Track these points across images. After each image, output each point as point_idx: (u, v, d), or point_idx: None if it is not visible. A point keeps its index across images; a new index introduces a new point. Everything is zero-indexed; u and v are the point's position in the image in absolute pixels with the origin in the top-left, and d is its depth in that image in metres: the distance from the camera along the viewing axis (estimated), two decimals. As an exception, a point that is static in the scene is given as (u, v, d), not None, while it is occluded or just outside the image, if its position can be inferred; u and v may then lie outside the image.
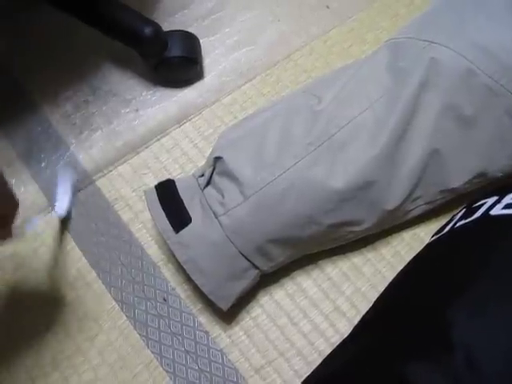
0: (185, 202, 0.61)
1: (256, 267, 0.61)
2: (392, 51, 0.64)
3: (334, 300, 0.67)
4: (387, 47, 0.65)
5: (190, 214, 0.60)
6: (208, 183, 0.63)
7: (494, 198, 0.58)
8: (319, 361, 0.58)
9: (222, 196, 0.60)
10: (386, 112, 0.59)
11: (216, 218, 0.59)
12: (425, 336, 0.46)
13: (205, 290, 0.59)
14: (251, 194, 0.58)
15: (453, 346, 0.43)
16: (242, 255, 0.59)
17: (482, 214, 0.56)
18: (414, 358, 0.44)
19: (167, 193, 0.63)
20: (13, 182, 0.76)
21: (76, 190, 0.74)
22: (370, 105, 0.60)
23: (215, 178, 0.62)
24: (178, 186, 0.63)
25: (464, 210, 0.61)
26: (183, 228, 0.59)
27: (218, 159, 0.62)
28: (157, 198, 0.62)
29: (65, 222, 0.72)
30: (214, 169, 0.62)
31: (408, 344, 0.47)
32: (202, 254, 0.59)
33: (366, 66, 0.65)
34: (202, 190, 0.62)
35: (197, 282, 0.59)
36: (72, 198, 0.71)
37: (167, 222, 0.60)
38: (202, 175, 0.64)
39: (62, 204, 0.71)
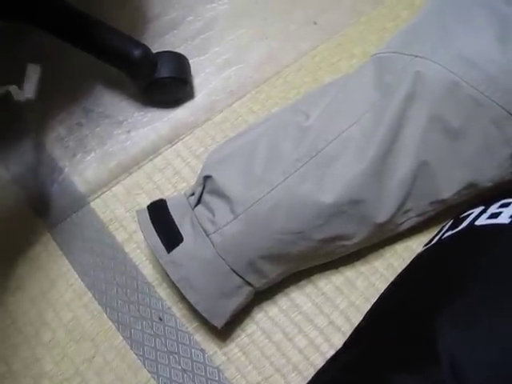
0: (176, 221, 0.61)
1: (249, 284, 0.62)
2: (377, 66, 0.65)
3: (328, 314, 0.67)
4: (373, 62, 0.66)
5: (182, 233, 0.60)
6: (198, 202, 0.63)
7: (480, 208, 0.58)
8: (315, 376, 0.58)
9: (213, 214, 0.60)
10: (373, 126, 0.60)
11: (207, 236, 0.60)
12: (411, 347, 0.47)
13: (199, 308, 0.60)
14: (241, 211, 0.59)
15: (439, 356, 0.43)
16: (235, 272, 0.60)
17: (468, 225, 0.57)
18: (401, 369, 0.45)
19: (159, 212, 0.63)
20: (8, 205, 0.77)
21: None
22: (357, 119, 0.60)
23: (205, 196, 0.63)
24: (169, 206, 0.63)
25: (451, 221, 0.62)
26: (175, 247, 0.60)
27: (207, 178, 0.62)
28: (148, 218, 0.63)
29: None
30: (203, 187, 0.63)
31: (395, 355, 0.47)
32: (194, 273, 0.59)
33: (352, 82, 0.65)
34: (193, 209, 0.63)
35: (190, 300, 0.60)
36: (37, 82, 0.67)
37: (159, 241, 0.60)
38: (193, 194, 0.64)
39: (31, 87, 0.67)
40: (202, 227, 0.60)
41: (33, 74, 0.68)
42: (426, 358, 0.44)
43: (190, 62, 0.82)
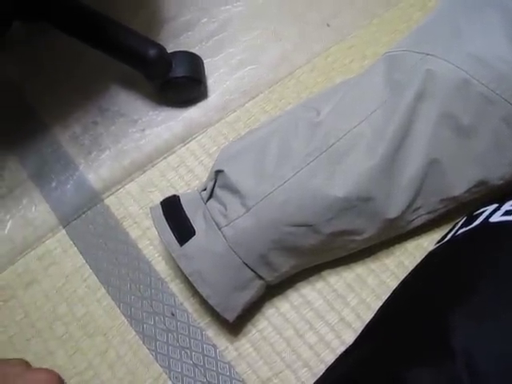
0: (188, 215, 0.62)
1: (260, 277, 0.62)
2: (388, 64, 0.66)
3: (339, 311, 0.67)
4: (383, 60, 0.67)
5: (194, 226, 0.61)
6: (210, 196, 0.64)
7: (494, 206, 0.59)
8: (325, 372, 0.59)
9: (225, 208, 0.61)
10: (384, 123, 0.60)
11: (219, 229, 0.60)
12: (425, 342, 0.47)
13: (210, 301, 0.60)
14: (252, 205, 0.59)
15: (453, 351, 0.43)
16: (246, 265, 0.60)
17: (482, 222, 0.57)
18: (415, 364, 0.45)
19: (171, 207, 0.64)
20: (24, 202, 0.78)
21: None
22: (368, 116, 0.61)
23: (217, 191, 0.63)
24: (181, 201, 0.64)
25: (465, 218, 0.62)
26: (187, 241, 0.60)
27: (219, 172, 0.63)
28: (161, 213, 0.63)
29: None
30: (215, 182, 0.64)
31: (409, 350, 0.47)
32: (206, 266, 0.60)
33: (363, 80, 0.66)
34: (205, 203, 0.63)
35: (202, 293, 0.60)
36: None
37: (172, 235, 0.61)
38: (205, 189, 0.65)
39: None
40: (214, 221, 0.61)
41: None
42: (440, 353, 0.44)
43: (205, 62, 0.83)
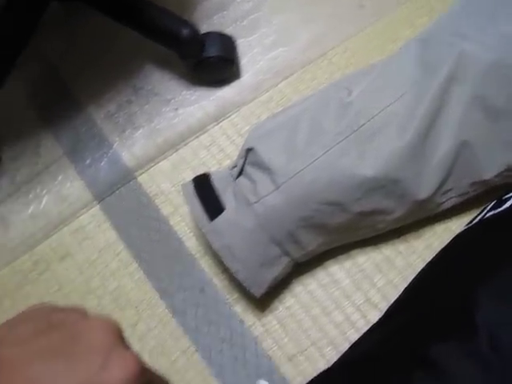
0: (219, 191, 0.63)
1: (288, 254, 0.63)
2: (421, 46, 0.65)
3: (365, 291, 0.68)
4: (417, 42, 0.66)
5: (224, 202, 0.62)
6: (240, 173, 0.65)
7: (525, 190, 0.58)
8: (350, 350, 0.59)
9: (255, 185, 0.62)
10: (415, 103, 0.60)
11: (248, 205, 0.61)
12: (450, 319, 0.47)
13: (238, 276, 0.61)
14: (282, 182, 0.60)
15: (477, 328, 0.44)
16: (274, 242, 0.61)
17: (511, 205, 0.57)
18: (439, 339, 0.46)
19: (202, 184, 0.65)
20: (59, 178, 0.80)
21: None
22: (399, 97, 0.61)
23: (247, 168, 0.64)
24: (212, 178, 0.65)
25: (495, 201, 0.62)
26: (217, 216, 0.61)
27: (249, 150, 0.64)
28: (193, 189, 0.65)
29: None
30: (245, 159, 0.65)
31: (433, 327, 0.48)
32: (235, 241, 0.61)
33: (395, 61, 0.66)
34: (235, 180, 0.64)
35: (231, 268, 0.61)
36: None
37: (202, 211, 0.62)
38: (235, 166, 0.66)
39: None
40: (243, 197, 0.62)
41: None
42: (464, 330, 0.45)
43: (238, 42, 0.84)
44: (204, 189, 0.64)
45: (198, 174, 0.70)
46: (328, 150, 0.60)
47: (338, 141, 0.60)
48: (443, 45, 0.63)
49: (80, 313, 0.37)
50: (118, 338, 0.36)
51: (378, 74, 0.65)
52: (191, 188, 0.65)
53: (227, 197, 0.63)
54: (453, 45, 0.62)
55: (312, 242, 0.63)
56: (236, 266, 0.61)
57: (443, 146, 0.61)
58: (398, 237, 0.69)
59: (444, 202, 0.65)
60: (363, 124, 0.60)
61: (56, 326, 0.36)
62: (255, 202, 0.61)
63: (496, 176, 0.63)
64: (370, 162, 0.59)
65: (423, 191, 0.62)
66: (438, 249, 0.64)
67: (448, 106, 0.60)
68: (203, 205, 0.63)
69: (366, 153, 0.60)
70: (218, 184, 0.64)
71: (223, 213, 0.61)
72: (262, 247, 0.61)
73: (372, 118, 0.61)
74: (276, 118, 0.67)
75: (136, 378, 0.34)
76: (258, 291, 0.63)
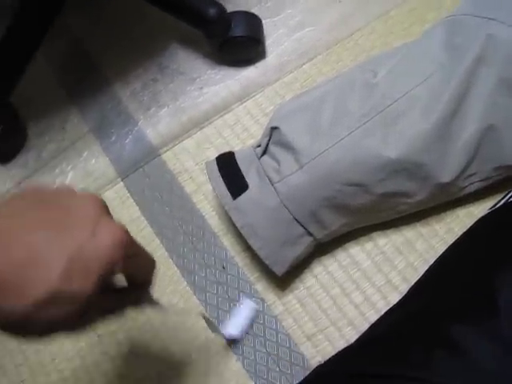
0: (242, 170, 0.64)
1: (310, 234, 0.63)
2: (448, 28, 0.65)
3: (386, 273, 0.68)
4: (443, 24, 0.66)
5: (247, 181, 0.63)
6: (264, 152, 0.65)
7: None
8: (370, 331, 0.60)
9: (278, 164, 0.62)
10: (441, 86, 0.60)
11: (272, 184, 0.62)
12: (472, 301, 0.48)
13: (261, 253, 0.62)
14: (306, 162, 0.60)
15: (499, 310, 0.44)
16: (297, 221, 0.62)
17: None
18: (461, 320, 0.46)
19: (226, 162, 0.66)
20: (84, 154, 0.81)
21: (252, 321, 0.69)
22: (425, 79, 0.61)
23: (271, 147, 0.65)
24: (236, 157, 0.66)
25: (519, 185, 0.62)
26: (240, 194, 0.62)
27: (274, 129, 0.64)
28: (216, 168, 0.65)
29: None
30: (269, 138, 0.65)
31: (455, 308, 0.48)
32: (258, 220, 0.62)
33: (422, 43, 0.66)
34: (259, 159, 0.65)
35: (253, 246, 0.62)
36: (246, 325, 0.67)
37: (225, 188, 0.63)
38: (259, 145, 0.66)
39: (235, 327, 0.67)
40: (267, 176, 0.62)
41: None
42: (486, 312, 0.45)
43: (263, 22, 0.84)
44: (228, 167, 0.65)
45: (222, 152, 0.70)
46: (353, 131, 0.60)
47: (363, 122, 0.60)
48: (470, 27, 0.63)
49: (68, 189, 0.40)
50: (105, 210, 0.41)
51: (403, 56, 0.65)
52: (215, 166, 0.66)
53: (251, 175, 0.63)
54: (480, 27, 0.62)
55: (334, 222, 0.64)
56: (258, 243, 0.62)
57: (468, 129, 0.60)
58: (420, 220, 0.69)
59: (467, 187, 0.65)
60: (389, 106, 0.60)
61: (47, 201, 0.39)
62: (278, 181, 0.61)
63: None
64: (394, 145, 0.59)
65: (446, 174, 0.61)
66: (460, 233, 0.64)
67: (474, 89, 0.60)
68: (226, 183, 0.63)
69: (390, 135, 0.60)
70: (241, 162, 0.65)
71: (246, 191, 0.62)
72: (284, 226, 0.62)
73: (397, 99, 0.60)
74: (301, 98, 0.67)
75: (123, 245, 0.38)
76: (279, 270, 0.63)
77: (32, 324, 0.36)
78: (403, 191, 0.62)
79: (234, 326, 0.67)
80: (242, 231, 0.62)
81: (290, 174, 0.61)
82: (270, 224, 0.62)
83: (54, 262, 0.35)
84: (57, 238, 0.37)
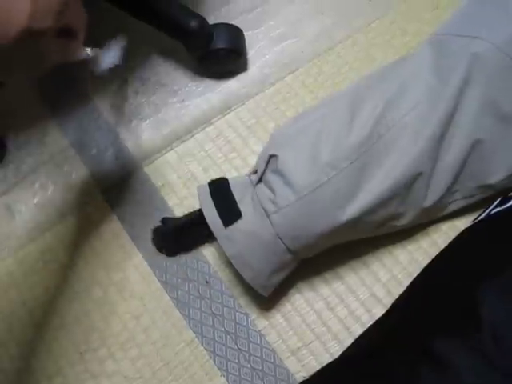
0: (236, 197, 0.62)
1: (298, 257, 0.63)
2: (434, 49, 0.65)
3: (370, 286, 0.68)
4: (429, 44, 0.66)
5: (241, 209, 0.61)
6: (260, 180, 0.63)
7: (529, 188, 0.59)
8: (355, 345, 0.60)
9: (274, 194, 0.60)
10: (430, 111, 0.60)
11: (267, 215, 0.60)
12: (454, 313, 0.48)
13: (252, 283, 0.61)
14: (304, 194, 0.58)
15: (481, 323, 0.45)
16: (290, 251, 0.61)
17: (517, 202, 0.57)
18: (443, 333, 0.46)
19: (219, 188, 0.64)
20: (65, 168, 0.80)
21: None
22: (416, 105, 0.61)
23: (268, 175, 0.62)
24: (230, 183, 0.64)
25: (500, 198, 0.62)
26: (233, 223, 0.60)
27: (272, 156, 0.62)
28: (208, 193, 0.64)
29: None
30: (266, 166, 0.63)
31: (438, 321, 0.49)
32: (250, 250, 0.60)
33: (411, 66, 0.66)
34: (254, 187, 0.63)
35: (243, 274, 0.61)
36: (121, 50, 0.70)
37: (217, 215, 0.61)
38: (255, 172, 0.65)
39: (110, 53, 0.69)
40: (262, 206, 0.60)
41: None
42: (468, 326, 0.46)
43: (245, 34, 0.83)
44: (221, 193, 0.63)
45: (204, 166, 0.71)
46: (352, 163, 0.59)
47: (361, 152, 0.59)
48: (455, 48, 0.63)
49: None
50: None
51: (393, 81, 0.64)
52: (207, 191, 0.64)
53: (245, 203, 0.62)
54: (466, 47, 0.62)
55: (324, 246, 0.64)
56: (250, 274, 0.61)
57: (454, 149, 0.61)
58: (403, 233, 0.69)
59: (450, 204, 0.66)
60: (383, 135, 0.60)
61: None
62: (274, 212, 0.59)
63: (503, 180, 0.63)
64: (388, 172, 0.59)
65: (433, 194, 0.62)
66: (443, 245, 0.64)
67: (461, 112, 0.60)
68: (218, 210, 0.62)
69: (386, 163, 0.60)
70: (235, 189, 0.63)
71: (239, 220, 0.61)
72: (277, 256, 0.61)
73: (390, 128, 0.60)
74: (298, 122, 0.66)
75: None
76: (267, 293, 0.63)
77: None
78: (393, 215, 0.62)
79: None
80: (232, 261, 0.61)
81: (287, 206, 0.59)
82: (263, 255, 0.61)
83: (21, 5, 0.44)
84: None
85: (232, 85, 0.84)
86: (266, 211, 0.60)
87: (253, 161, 0.76)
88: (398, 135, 0.60)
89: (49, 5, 0.46)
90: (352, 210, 0.59)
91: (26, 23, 0.44)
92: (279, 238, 0.60)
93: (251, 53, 0.85)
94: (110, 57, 0.67)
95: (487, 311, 0.45)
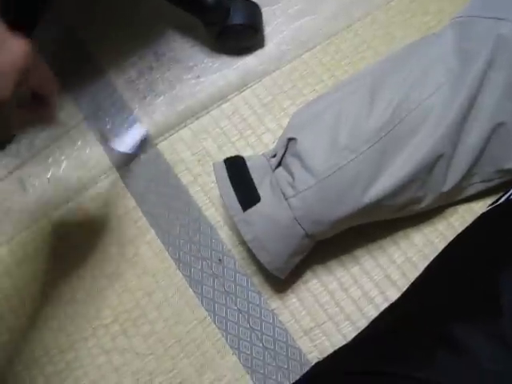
0: (255, 181, 0.61)
1: (315, 240, 0.62)
2: (457, 31, 0.64)
3: (385, 268, 0.67)
4: (452, 27, 0.65)
5: (260, 193, 0.60)
6: (279, 164, 0.63)
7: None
8: (368, 326, 0.59)
9: (293, 178, 0.60)
10: (452, 94, 0.59)
11: (285, 199, 0.59)
12: (473, 299, 0.47)
13: (269, 267, 0.61)
14: (323, 177, 0.58)
15: (501, 309, 0.44)
16: (308, 236, 0.60)
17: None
18: (463, 319, 0.46)
19: (237, 170, 0.63)
20: (78, 143, 0.80)
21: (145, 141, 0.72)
22: (438, 88, 0.59)
23: (287, 159, 0.62)
24: (248, 165, 0.63)
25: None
26: (251, 206, 0.60)
27: (291, 140, 0.61)
28: (225, 171, 0.63)
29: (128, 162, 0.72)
30: (286, 149, 0.62)
31: (457, 306, 0.48)
32: (268, 234, 0.60)
33: (433, 49, 0.64)
34: (273, 171, 0.63)
35: (262, 260, 0.60)
36: (140, 139, 0.69)
37: (235, 198, 0.60)
38: (274, 156, 0.64)
39: (127, 140, 0.69)
40: (281, 190, 0.60)
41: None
42: (488, 310, 0.45)
43: (262, 10, 0.82)
44: (239, 175, 0.62)
45: (219, 144, 0.71)
46: (371, 146, 0.58)
47: (381, 136, 0.58)
48: (480, 30, 0.61)
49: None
50: (8, 28, 0.45)
51: (415, 64, 0.63)
52: (224, 172, 0.63)
53: (263, 187, 0.61)
54: (489, 29, 0.61)
55: (341, 228, 0.63)
56: (268, 258, 0.60)
57: (476, 133, 0.60)
58: (418, 215, 0.68)
59: (468, 187, 0.65)
60: (404, 118, 0.59)
61: None
62: (293, 196, 0.59)
63: None
64: (409, 157, 0.58)
65: (452, 178, 0.61)
66: (460, 228, 0.64)
67: (484, 94, 0.59)
68: (237, 192, 0.61)
69: (406, 148, 0.59)
70: (254, 172, 0.62)
71: (258, 204, 0.60)
72: (295, 240, 0.60)
73: (412, 111, 0.59)
74: (317, 105, 0.64)
75: (30, 54, 0.45)
76: (283, 275, 0.63)
77: None
78: (413, 199, 0.61)
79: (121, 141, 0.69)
80: (250, 245, 0.60)
81: (306, 190, 0.58)
82: (281, 239, 0.60)
83: None
84: None
85: (249, 61, 0.83)
86: (284, 195, 0.59)
87: (268, 139, 0.76)
88: (419, 118, 0.59)
89: (5, 75, 0.44)
90: (371, 195, 0.58)
91: None
92: (297, 222, 0.59)
93: (268, 29, 0.84)
94: (126, 144, 0.67)
95: (508, 297, 0.44)
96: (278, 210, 0.59)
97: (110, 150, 0.67)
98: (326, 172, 0.58)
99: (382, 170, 0.58)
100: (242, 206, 0.60)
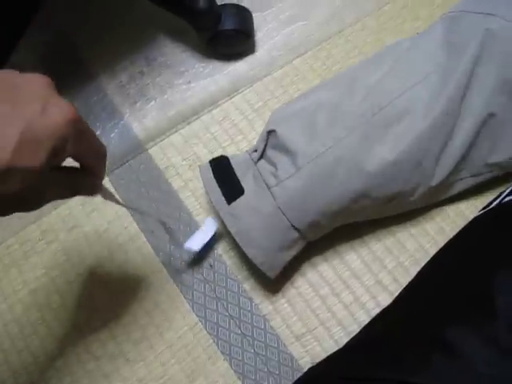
0: (238, 175, 0.62)
1: (305, 238, 0.62)
2: (447, 26, 0.64)
3: (376, 273, 0.67)
4: (442, 22, 0.65)
5: (243, 185, 0.61)
6: (261, 157, 0.63)
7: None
8: (359, 332, 0.59)
9: (275, 168, 0.60)
10: (440, 86, 0.59)
11: (268, 189, 0.60)
12: (467, 303, 0.47)
13: (256, 261, 0.60)
14: (303, 164, 0.58)
15: (496, 313, 0.44)
16: (294, 227, 0.60)
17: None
18: (456, 323, 0.46)
19: (221, 166, 0.64)
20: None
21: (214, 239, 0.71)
22: (423, 78, 0.60)
23: (268, 151, 0.63)
24: (231, 161, 0.64)
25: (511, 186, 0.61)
26: (235, 199, 0.60)
27: (270, 132, 0.62)
28: (211, 171, 0.63)
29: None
30: (266, 142, 0.63)
31: (451, 310, 0.48)
32: (253, 226, 0.60)
33: (421, 41, 0.65)
34: (255, 164, 0.63)
35: (248, 253, 0.60)
36: (207, 242, 0.68)
37: (220, 192, 0.61)
38: (255, 150, 0.64)
39: (196, 242, 0.68)
40: (264, 181, 0.60)
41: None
42: (482, 314, 0.45)
43: (254, 16, 0.82)
44: (223, 171, 0.63)
45: (210, 149, 0.71)
46: (350, 132, 0.58)
47: (361, 123, 0.59)
48: (468, 24, 0.62)
49: (15, 71, 0.40)
50: (53, 88, 0.41)
51: (401, 55, 0.64)
52: (209, 170, 0.64)
53: (246, 180, 0.61)
54: (478, 23, 0.61)
55: (330, 225, 0.63)
56: (253, 251, 0.60)
57: (465, 127, 0.60)
58: (410, 219, 0.69)
59: (456, 182, 0.65)
60: (385, 106, 0.59)
61: None
62: (275, 186, 0.59)
63: (511, 158, 0.62)
64: (392, 146, 0.58)
65: (440, 173, 0.61)
66: (451, 232, 0.64)
67: (473, 88, 0.59)
68: (221, 187, 0.61)
69: (388, 136, 0.59)
70: (237, 167, 0.63)
71: (242, 196, 0.60)
72: (280, 232, 0.60)
73: (394, 100, 0.59)
74: (297, 102, 0.65)
75: (73, 121, 0.40)
76: (273, 274, 0.62)
77: None
78: (401, 192, 0.61)
79: (193, 240, 0.68)
80: (236, 238, 0.60)
81: (288, 178, 0.59)
82: (266, 230, 0.60)
83: (5, 138, 0.37)
84: (7, 115, 0.38)
85: (240, 67, 0.83)
86: (267, 185, 0.60)
87: (259, 144, 0.75)
88: (404, 108, 0.59)
89: (40, 144, 0.38)
90: (355, 183, 0.58)
91: (8, 161, 0.36)
92: (281, 211, 0.59)
93: (259, 35, 0.84)
94: (194, 243, 0.68)
95: (503, 300, 0.44)
96: (262, 200, 0.60)
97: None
98: (306, 159, 0.58)
99: (364, 159, 0.58)
100: (226, 199, 0.60)
